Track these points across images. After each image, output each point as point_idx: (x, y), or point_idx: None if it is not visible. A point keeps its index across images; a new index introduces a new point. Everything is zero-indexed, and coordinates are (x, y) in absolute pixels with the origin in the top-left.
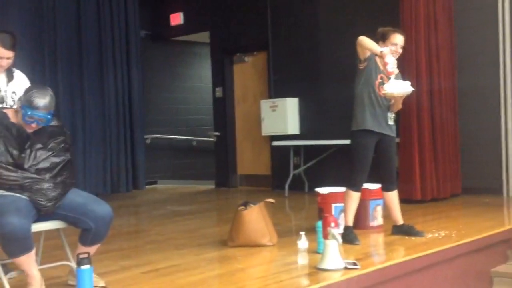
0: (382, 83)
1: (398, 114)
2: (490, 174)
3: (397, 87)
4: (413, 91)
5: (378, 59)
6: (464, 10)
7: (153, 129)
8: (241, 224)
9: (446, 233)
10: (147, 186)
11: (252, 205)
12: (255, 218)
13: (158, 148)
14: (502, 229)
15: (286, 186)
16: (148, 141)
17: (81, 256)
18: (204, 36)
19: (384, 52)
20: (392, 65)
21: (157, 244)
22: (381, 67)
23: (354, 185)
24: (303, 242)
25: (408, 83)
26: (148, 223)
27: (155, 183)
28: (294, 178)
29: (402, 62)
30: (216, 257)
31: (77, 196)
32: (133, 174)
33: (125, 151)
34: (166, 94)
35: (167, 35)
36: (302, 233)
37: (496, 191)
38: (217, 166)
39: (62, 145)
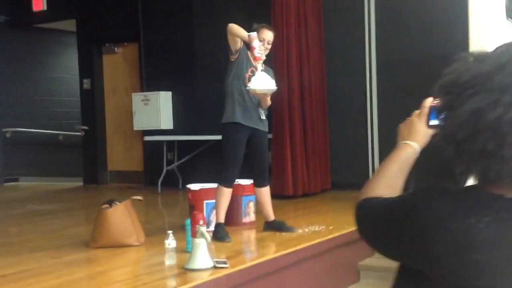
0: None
1: (270, 110)
2: (357, 169)
3: (260, 84)
4: (277, 89)
5: (249, 53)
6: (332, 10)
7: (13, 122)
8: (105, 224)
9: (316, 228)
10: (6, 184)
11: (117, 203)
12: (120, 217)
13: (19, 142)
14: None
15: (159, 183)
16: (8, 135)
17: None
18: (70, 24)
19: (252, 36)
20: (259, 49)
21: (9, 246)
22: (252, 61)
23: (225, 181)
24: (170, 242)
25: (273, 81)
26: (1, 223)
27: (16, 180)
28: (168, 174)
29: (274, 59)
30: (76, 260)
31: None
32: None
33: None
34: (29, 85)
35: (28, 22)
36: (170, 232)
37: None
38: (85, 162)
39: None
